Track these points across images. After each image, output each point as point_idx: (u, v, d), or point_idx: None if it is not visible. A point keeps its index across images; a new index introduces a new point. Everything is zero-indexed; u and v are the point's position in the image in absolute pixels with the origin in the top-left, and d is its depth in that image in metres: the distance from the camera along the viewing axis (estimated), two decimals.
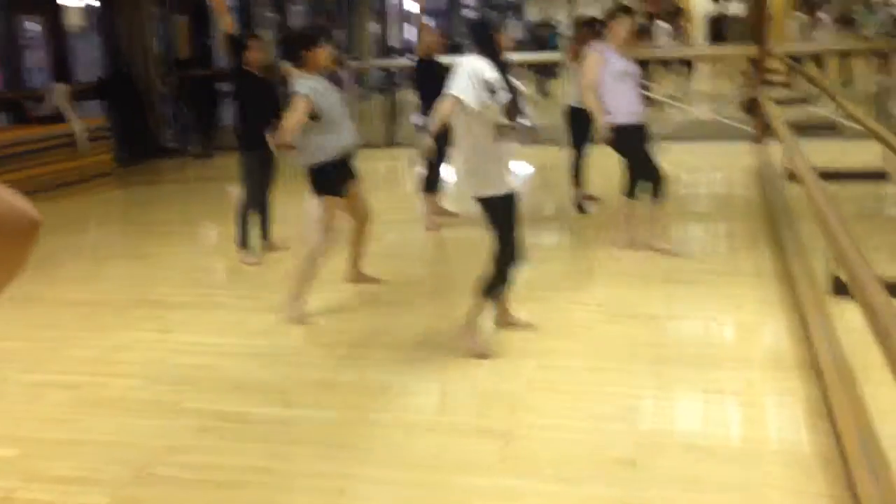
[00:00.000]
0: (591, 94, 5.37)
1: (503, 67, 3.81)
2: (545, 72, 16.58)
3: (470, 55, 3.85)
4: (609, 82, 5.36)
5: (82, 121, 9.98)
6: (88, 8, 11.98)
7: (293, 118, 4.36)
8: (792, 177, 4.94)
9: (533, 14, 23.68)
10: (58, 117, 9.64)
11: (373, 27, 20.51)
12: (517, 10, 25.34)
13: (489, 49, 3.82)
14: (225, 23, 5.91)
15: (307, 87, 4.43)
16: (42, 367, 4.18)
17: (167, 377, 3.98)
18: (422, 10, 7.47)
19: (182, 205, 8.66)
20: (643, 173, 5.45)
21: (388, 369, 3.94)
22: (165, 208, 8.45)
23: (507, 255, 3.91)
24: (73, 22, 11.83)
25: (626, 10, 5.61)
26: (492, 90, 3.70)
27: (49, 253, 6.48)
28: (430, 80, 6.04)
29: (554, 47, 15.51)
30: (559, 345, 4.14)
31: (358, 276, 5.22)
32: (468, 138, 3.84)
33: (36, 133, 9.31)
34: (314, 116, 4.40)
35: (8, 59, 10.38)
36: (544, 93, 16.53)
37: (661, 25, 17.19)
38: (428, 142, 3.94)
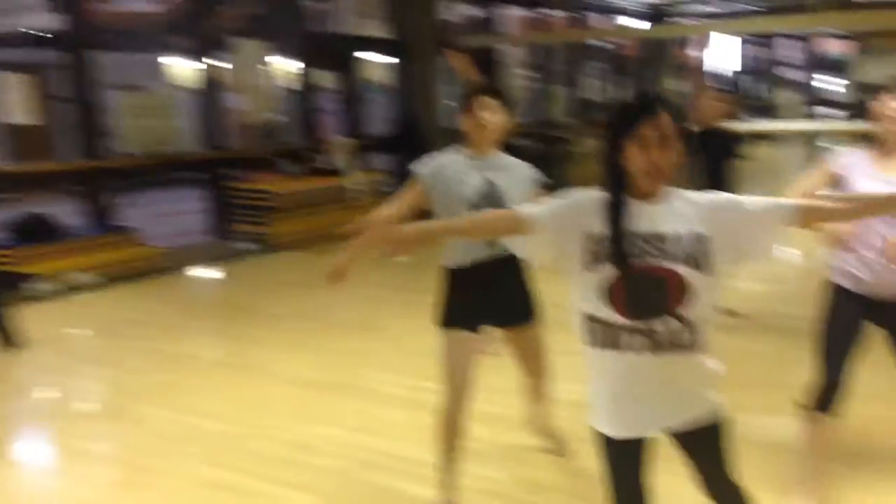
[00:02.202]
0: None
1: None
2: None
3: None
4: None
5: (362, 174, 10.14)
6: (388, 64, 12.34)
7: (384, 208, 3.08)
8: None
9: (865, 74, 19.54)
10: (338, 171, 9.87)
11: (676, 84, 19.36)
12: (840, 69, 22.67)
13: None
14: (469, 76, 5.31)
15: (431, 166, 3.12)
16: (222, 460, 3.84)
17: (340, 499, 3.43)
18: (697, 69, 6.26)
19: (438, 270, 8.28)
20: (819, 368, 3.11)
21: None
22: (421, 273, 8.12)
23: None
24: (369, 76, 12.25)
25: None
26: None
27: (298, 312, 6.40)
28: (708, 153, 5.10)
29: None
30: None
31: (541, 428, 3.72)
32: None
33: (312, 185, 9.56)
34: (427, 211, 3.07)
35: (305, 112, 10.86)
36: None
37: None
38: None
